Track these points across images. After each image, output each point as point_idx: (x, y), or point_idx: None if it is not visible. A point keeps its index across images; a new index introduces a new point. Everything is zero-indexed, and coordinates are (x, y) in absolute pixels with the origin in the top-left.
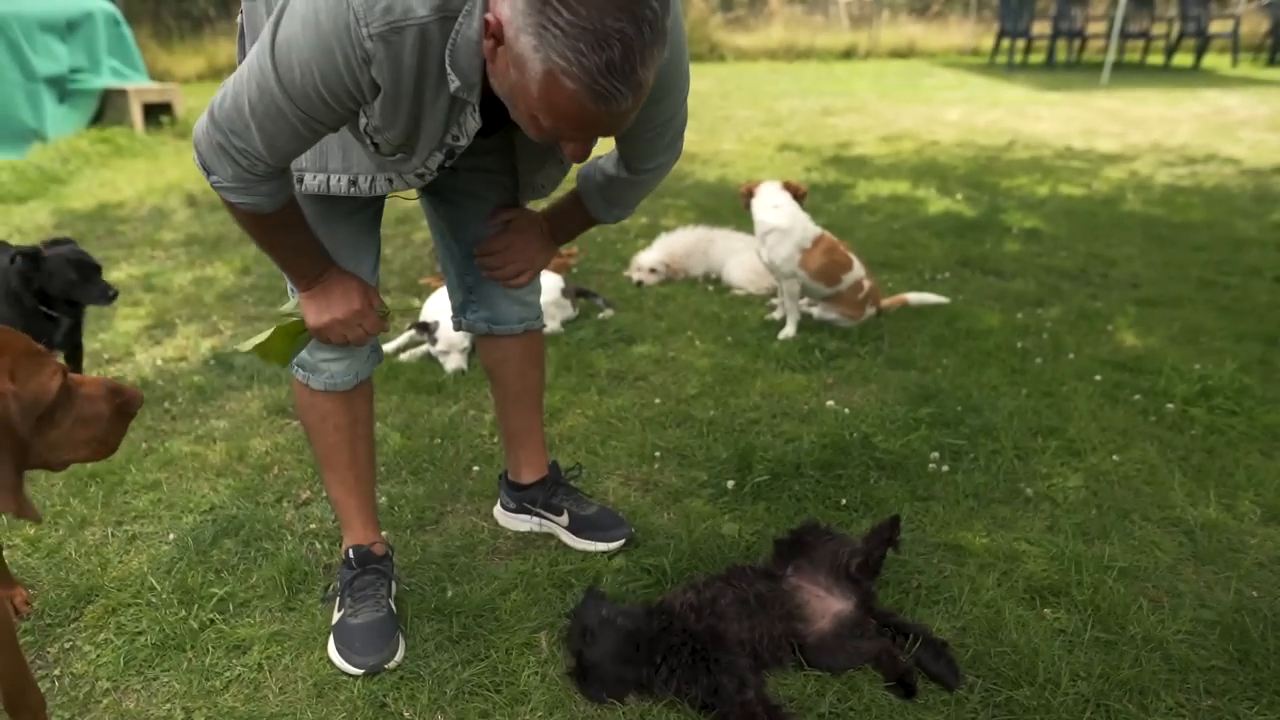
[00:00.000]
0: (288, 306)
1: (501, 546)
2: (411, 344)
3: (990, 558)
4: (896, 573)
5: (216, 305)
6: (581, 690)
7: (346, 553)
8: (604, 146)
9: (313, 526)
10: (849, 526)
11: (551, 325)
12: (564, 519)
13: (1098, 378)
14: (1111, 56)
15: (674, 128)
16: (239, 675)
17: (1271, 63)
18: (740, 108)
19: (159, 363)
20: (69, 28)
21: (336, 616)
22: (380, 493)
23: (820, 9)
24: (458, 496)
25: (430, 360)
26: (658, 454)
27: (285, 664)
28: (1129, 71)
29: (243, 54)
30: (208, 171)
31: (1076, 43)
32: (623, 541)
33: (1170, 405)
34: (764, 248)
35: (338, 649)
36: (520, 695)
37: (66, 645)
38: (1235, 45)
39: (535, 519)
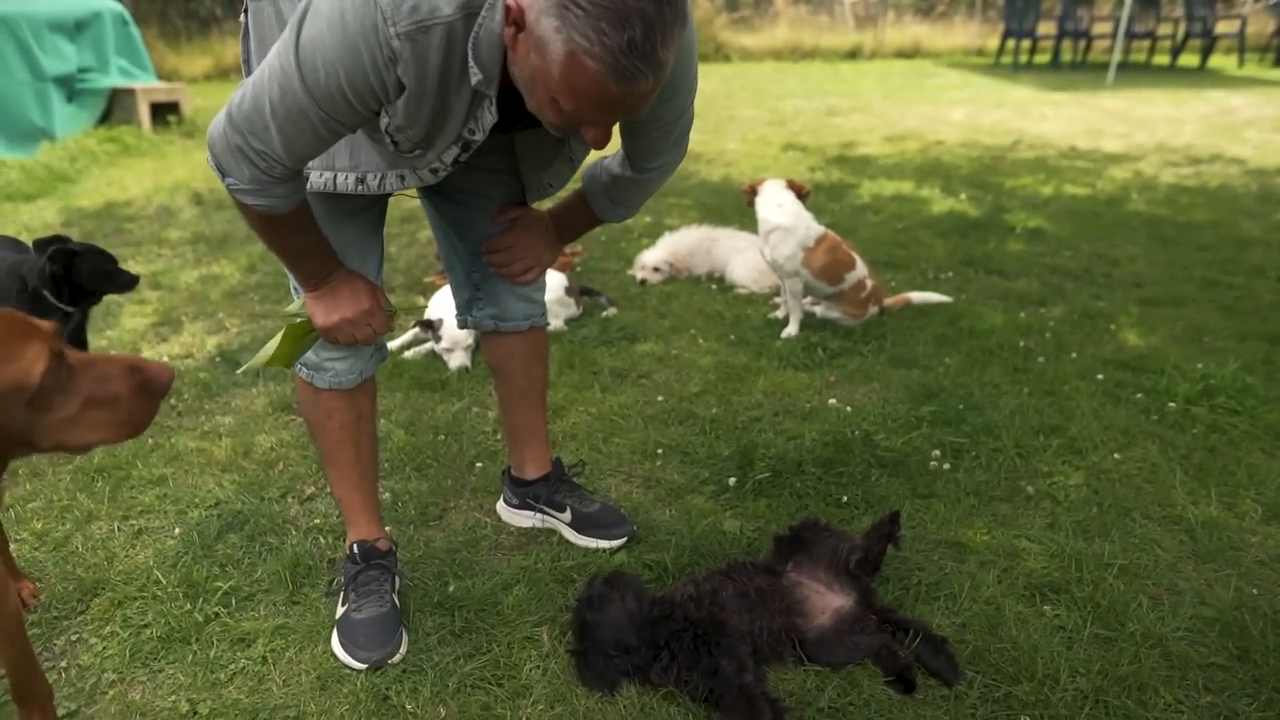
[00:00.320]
0: (293, 307)
1: (504, 542)
2: (416, 342)
3: (991, 555)
4: (897, 569)
5: (223, 303)
6: (580, 670)
7: (350, 548)
8: (610, 147)
9: (317, 522)
10: (850, 524)
11: (555, 323)
12: (567, 515)
13: (1100, 377)
14: (1117, 57)
15: (680, 127)
16: (243, 668)
17: (1278, 63)
18: (745, 107)
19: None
20: (77, 28)
21: (340, 611)
22: (384, 488)
23: (825, 9)
24: (461, 493)
25: (434, 358)
26: (660, 451)
27: (289, 657)
28: (1134, 72)
29: (247, 55)
30: (223, 174)
31: (1082, 43)
32: (624, 539)
33: (1172, 404)
34: (767, 246)
35: (341, 643)
36: (522, 689)
37: (73, 637)
38: (1241, 45)
39: (538, 515)
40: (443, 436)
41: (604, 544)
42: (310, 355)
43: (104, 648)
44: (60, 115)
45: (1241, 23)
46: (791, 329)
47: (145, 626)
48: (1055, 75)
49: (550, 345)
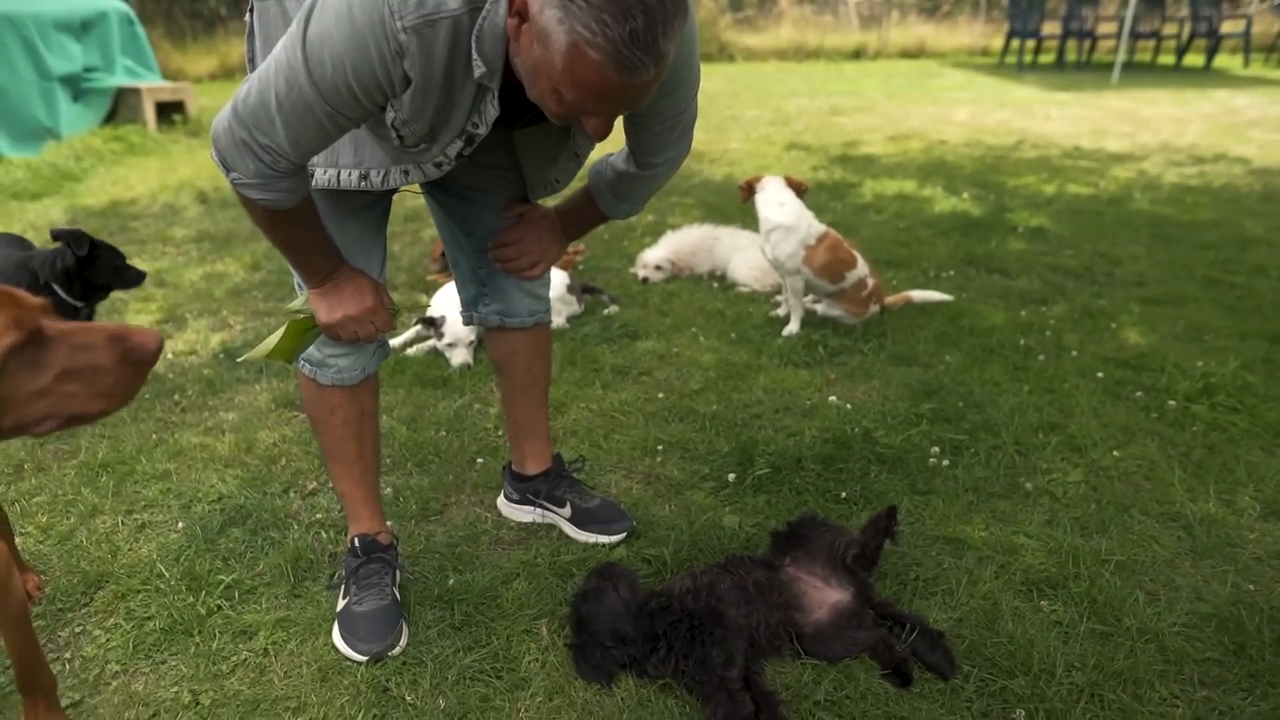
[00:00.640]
0: (296, 304)
1: (504, 537)
2: (419, 339)
3: (988, 551)
4: (895, 564)
5: (226, 300)
6: (577, 663)
7: (352, 541)
8: (614, 144)
9: (319, 516)
10: (849, 519)
11: (557, 321)
12: (566, 511)
13: (1100, 375)
14: (1122, 57)
15: (684, 122)
16: (245, 659)
17: None
18: (748, 107)
19: (169, 356)
20: (83, 27)
21: (341, 604)
22: (386, 484)
23: (830, 9)
24: (462, 488)
25: (437, 355)
26: (660, 447)
27: (290, 649)
28: (1140, 72)
29: (252, 54)
30: (227, 168)
31: (1087, 43)
32: (624, 534)
33: (1172, 402)
34: (768, 245)
35: (342, 635)
36: (520, 681)
37: (77, 629)
38: (1247, 45)
39: (538, 510)
40: (444, 432)
41: (603, 539)
42: (313, 351)
43: (107, 639)
44: (66, 114)
45: (1247, 22)
46: (793, 327)
47: (148, 619)
48: (1060, 75)
49: (553, 342)
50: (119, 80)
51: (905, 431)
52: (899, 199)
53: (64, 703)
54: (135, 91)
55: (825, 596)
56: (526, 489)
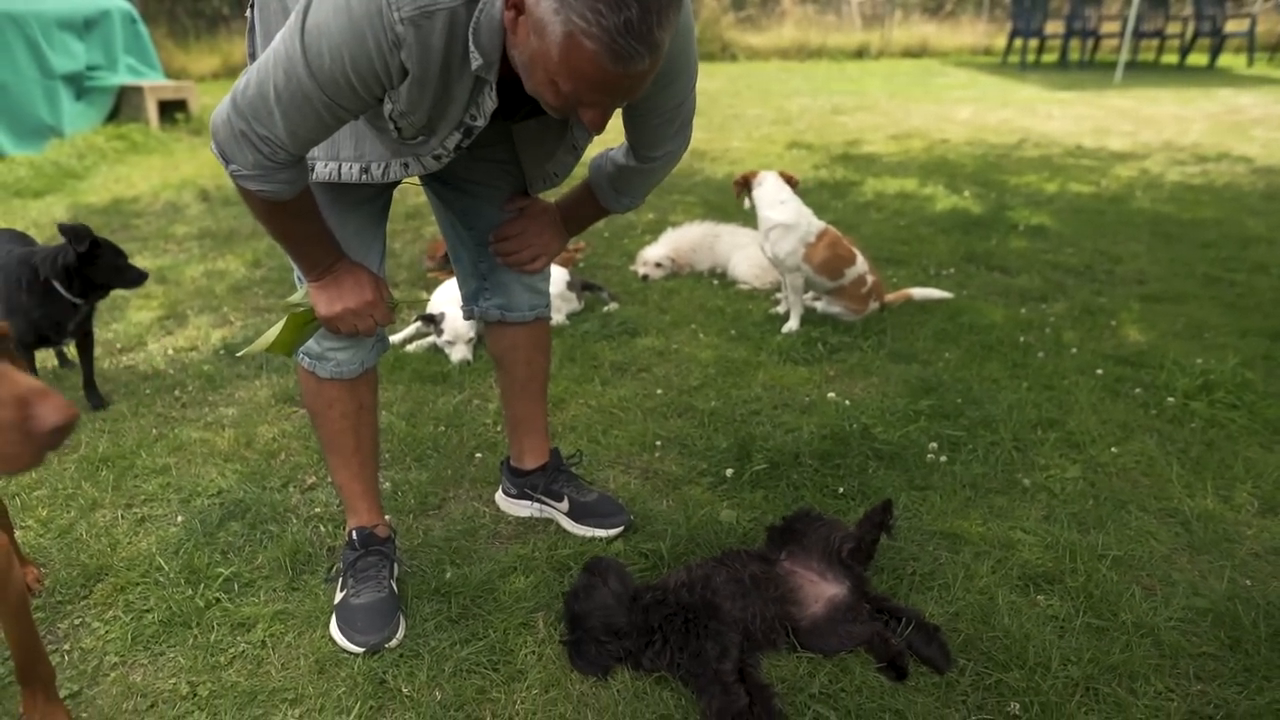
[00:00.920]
0: (295, 297)
1: (502, 531)
2: (418, 335)
3: (985, 545)
4: (891, 559)
5: (227, 297)
6: (573, 658)
7: (350, 534)
8: (613, 140)
9: (317, 510)
10: (846, 515)
11: (557, 317)
12: (564, 505)
13: (1099, 372)
14: (1125, 56)
15: (682, 114)
16: (243, 651)
17: None
18: (750, 106)
19: (170, 352)
20: (86, 26)
21: (339, 596)
22: (384, 478)
23: (832, 8)
24: (460, 482)
25: (436, 351)
26: (659, 443)
27: (288, 641)
28: (1143, 71)
29: (253, 50)
30: (226, 160)
31: (1090, 42)
32: (621, 528)
33: (1171, 399)
34: (768, 242)
35: (339, 628)
36: (517, 673)
37: (76, 621)
38: (1251, 45)
39: (536, 504)
40: (443, 428)
41: (601, 533)
42: (313, 345)
43: (106, 631)
44: (69, 113)
45: (1251, 22)
46: (792, 324)
47: (147, 611)
48: (1062, 74)
49: (552, 338)
50: (122, 79)
51: (904, 428)
52: (900, 197)
53: (63, 694)
54: (138, 90)
55: (821, 590)
56: (524, 483)
